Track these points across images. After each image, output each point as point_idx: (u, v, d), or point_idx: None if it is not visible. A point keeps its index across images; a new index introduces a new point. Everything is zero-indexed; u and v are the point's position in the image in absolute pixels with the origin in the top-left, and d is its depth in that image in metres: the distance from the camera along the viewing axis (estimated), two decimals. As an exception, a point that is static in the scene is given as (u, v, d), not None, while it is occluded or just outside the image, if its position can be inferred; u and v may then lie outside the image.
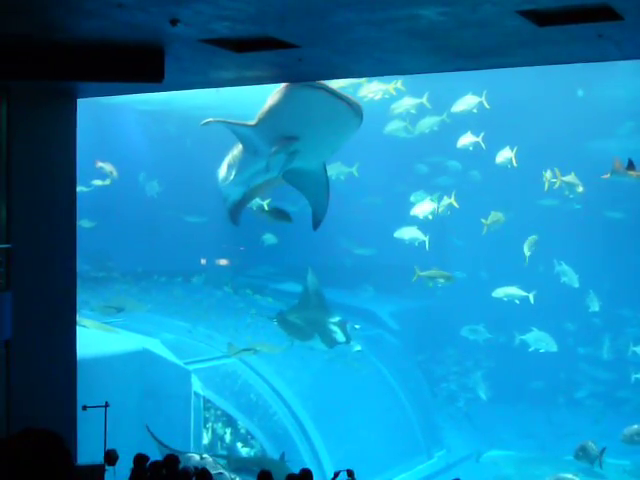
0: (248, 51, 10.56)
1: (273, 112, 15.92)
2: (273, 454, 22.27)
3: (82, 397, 13.24)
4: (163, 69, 10.91)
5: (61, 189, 13.36)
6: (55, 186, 13.25)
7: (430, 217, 24.28)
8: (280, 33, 9.83)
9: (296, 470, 10.07)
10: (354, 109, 15.61)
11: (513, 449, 24.15)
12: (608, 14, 8.76)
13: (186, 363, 22.09)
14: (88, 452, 12.45)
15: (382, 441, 24.62)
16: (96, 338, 20.81)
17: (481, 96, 23.66)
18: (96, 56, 10.79)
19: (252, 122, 16.53)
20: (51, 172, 13.18)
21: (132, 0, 8.69)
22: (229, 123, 16.83)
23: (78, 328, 14.02)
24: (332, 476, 10.33)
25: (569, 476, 21.23)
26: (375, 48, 10.59)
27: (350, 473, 10.14)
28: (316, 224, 17.65)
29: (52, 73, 11.00)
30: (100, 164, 27.61)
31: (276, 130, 16.12)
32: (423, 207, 24.53)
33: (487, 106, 23.33)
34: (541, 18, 9.02)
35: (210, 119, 17.11)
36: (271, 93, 16.07)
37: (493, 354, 29.08)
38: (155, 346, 21.88)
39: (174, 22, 9.27)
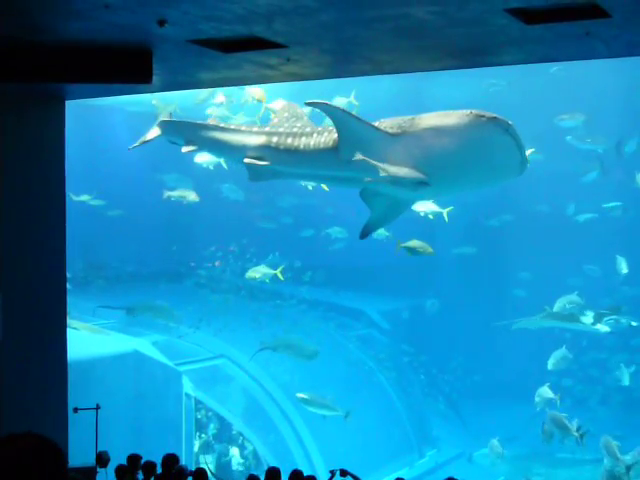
0: (236, 51, 10.56)
1: (440, 135, 13.80)
2: (265, 455, 22.29)
3: (73, 399, 13.23)
4: (151, 70, 10.88)
5: (50, 191, 13.31)
6: (44, 188, 13.20)
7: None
8: (267, 33, 9.82)
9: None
10: (523, 169, 14.11)
11: (505, 447, 24.16)
12: (596, 12, 8.77)
13: (177, 364, 22.07)
14: (79, 454, 12.45)
15: (374, 440, 24.64)
16: (86, 340, 20.77)
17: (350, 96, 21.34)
18: (84, 57, 10.75)
19: (391, 130, 14.15)
20: (40, 174, 13.13)
21: (119, 1, 8.67)
22: (350, 115, 14.22)
23: (68, 330, 14.00)
24: (329, 476, 10.36)
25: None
26: (364, 47, 10.58)
27: (343, 473, 10.16)
28: (365, 235, 16.06)
29: (39, 75, 10.96)
30: (168, 193, 26.71)
31: (428, 155, 13.96)
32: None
33: (356, 103, 20.83)
34: (529, 16, 9.04)
35: (326, 102, 14.26)
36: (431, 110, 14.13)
37: (484, 351, 29.11)
38: (145, 347, 21.85)
39: (161, 23, 9.26)
